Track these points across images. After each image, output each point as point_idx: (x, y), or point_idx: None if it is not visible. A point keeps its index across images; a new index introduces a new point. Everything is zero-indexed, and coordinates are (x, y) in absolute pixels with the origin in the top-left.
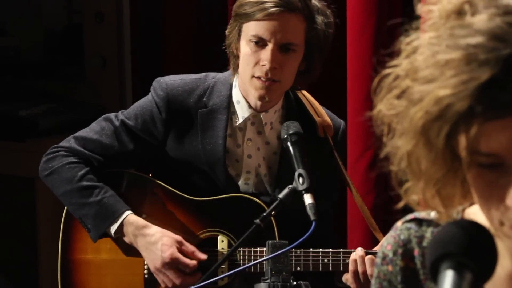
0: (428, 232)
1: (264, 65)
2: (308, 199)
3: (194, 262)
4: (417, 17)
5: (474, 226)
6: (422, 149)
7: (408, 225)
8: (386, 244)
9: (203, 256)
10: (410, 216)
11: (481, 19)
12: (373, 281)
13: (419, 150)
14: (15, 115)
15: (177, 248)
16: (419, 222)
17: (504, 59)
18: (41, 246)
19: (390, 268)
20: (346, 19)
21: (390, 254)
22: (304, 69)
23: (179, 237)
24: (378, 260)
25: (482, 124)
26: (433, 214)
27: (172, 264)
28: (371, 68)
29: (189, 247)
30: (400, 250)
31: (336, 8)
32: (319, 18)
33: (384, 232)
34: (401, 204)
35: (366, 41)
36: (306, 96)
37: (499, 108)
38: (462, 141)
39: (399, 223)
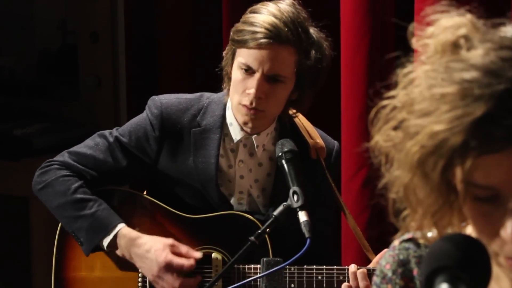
0: None
1: (250, 94)
2: (303, 216)
3: (190, 261)
4: (411, 49)
5: (468, 240)
6: (418, 182)
7: (406, 245)
8: (384, 263)
9: (197, 255)
10: (407, 236)
11: (476, 54)
12: None
13: (415, 183)
14: (10, 134)
15: (170, 250)
16: (416, 242)
17: (498, 94)
18: (36, 265)
19: (390, 287)
20: (340, 40)
21: (390, 274)
22: (296, 98)
23: (170, 240)
24: (377, 280)
25: (476, 158)
26: (430, 234)
27: (168, 268)
28: (365, 88)
29: (182, 247)
30: (399, 270)
31: (331, 33)
32: (312, 52)
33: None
34: (399, 234)
35: (360, 62)
36: (299, 118)
37: (493, 143)
38: (458, 173)
39: (396, 242)
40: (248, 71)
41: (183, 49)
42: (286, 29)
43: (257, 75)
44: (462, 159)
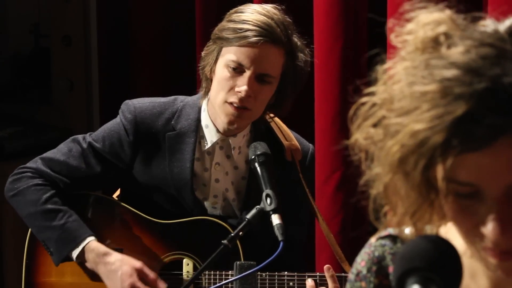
0: None
1: (240, 92)
2: (276, 219)
3: None
4: (385, 47)
5: (440, 241)
6: (398, 181)
7: (383, 241)
8: (360, 260)
9: (163, 286)
10: (384, 233)
11: (457, 52)
12: None
13: (395, 182)
14: None
15: (138, 275)
16: (393, 238)
17: (479, 93)
18: (7, 270)
19: (363, 284)
20: (313, 43)
21: (364, 271)
22: (274, 102)
23: (139, 264)
24: (351, 276)
25: (458, 156)
26: (407, 231)
27: None
28: (339, 91)
29: (150, 275)
30: (374, 267)
31: (304, 36)
32: (299, 55)
33: (351, 262)
34: (379, 232)
35: (333, 64)
36: (274, 120)
37: (474, 141)
38: (440, 171)
39: (373, 240)
40: (237, 69)
41: (156, 52)
42: (279, 29)
43: (248, 73)
44: (443, 157)
